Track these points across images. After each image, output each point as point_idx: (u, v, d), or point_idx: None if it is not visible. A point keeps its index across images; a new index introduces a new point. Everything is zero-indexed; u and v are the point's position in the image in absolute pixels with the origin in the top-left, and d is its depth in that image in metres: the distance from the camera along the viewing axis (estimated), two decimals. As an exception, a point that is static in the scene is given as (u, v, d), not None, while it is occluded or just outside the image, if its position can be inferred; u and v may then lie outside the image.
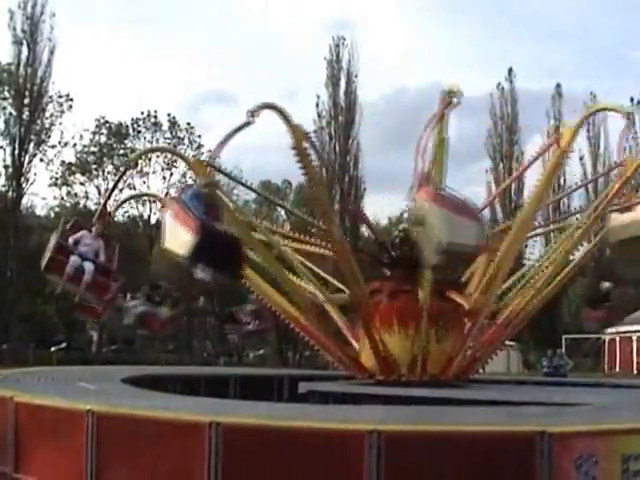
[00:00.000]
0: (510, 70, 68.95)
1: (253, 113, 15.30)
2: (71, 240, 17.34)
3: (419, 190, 15.16)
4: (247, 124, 15.42)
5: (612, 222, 17.00)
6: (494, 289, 18.01)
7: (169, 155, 64.34)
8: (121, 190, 61.32)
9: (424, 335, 17.31)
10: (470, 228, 14.60)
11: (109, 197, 21.64)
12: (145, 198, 62.55)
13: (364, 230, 62.27)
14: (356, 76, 65.06)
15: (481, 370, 20.79)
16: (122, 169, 57.85)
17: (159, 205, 22.20)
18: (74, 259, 16.89)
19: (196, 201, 14.39)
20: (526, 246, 57.90)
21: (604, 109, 20.03)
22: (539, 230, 22.07)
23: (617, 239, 16.50)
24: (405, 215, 15.67)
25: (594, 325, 23.55)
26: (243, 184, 18.04)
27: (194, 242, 13.62)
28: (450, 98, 16.59)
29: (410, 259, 18.29)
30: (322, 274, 19.61)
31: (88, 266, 17.02)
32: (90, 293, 17.27)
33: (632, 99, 66.11)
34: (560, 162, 17.82)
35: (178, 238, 13.97)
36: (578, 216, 19.96)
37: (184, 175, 65.16)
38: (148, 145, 65.29)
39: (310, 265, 19.51)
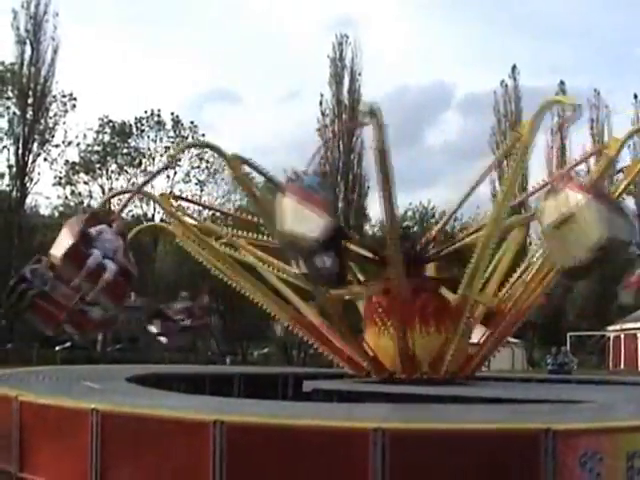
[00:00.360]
0: (514, 67, 69.03)
1: (369, 114, 15.03)
2: (93, 231, 15.98)
3: (569, 185, 14.58)
4: (362, 124, 15.20)
5: (544, 209, 15.40)
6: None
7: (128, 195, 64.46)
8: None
9: (460, 333, 17.38)
10: (627, 225, 14.34)
11: (137, 192, 21.16)
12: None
13: (368, 228, 62.47)
14: (359, 74, 65.20)
15: (486, 368, 20.82)
16: (163, 164, 58.04)
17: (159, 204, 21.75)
18: (97, 253, 15.62)
19: (319, 188, 14.34)
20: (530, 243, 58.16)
21: None
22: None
23: (548, 223, 14.86)
24: (539, 210, 14.94)
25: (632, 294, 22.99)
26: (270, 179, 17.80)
27: (330, 223, 13.62)
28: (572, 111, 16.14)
29: (410, 256, 18.28)
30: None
31: (110, 264, 15.75)
32: (105, 295, 15.92)
33: (636, 96, 66.24)
34: (607, 170, 17.50)
35: (306, 221, 13.81)
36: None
37: (188, 174, 65.33)
38: (152, 144, 65.30)
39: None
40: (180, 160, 65.18)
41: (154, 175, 24.37)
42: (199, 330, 24.55)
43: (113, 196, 60.99)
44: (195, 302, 23.21)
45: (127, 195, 20.81)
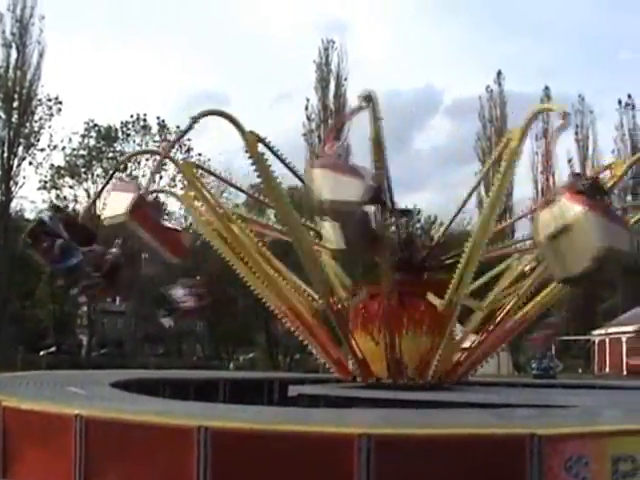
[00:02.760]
0: (499, 73, 69.17)
1: (365, 99, 15.66)
2: None
3: (565, 195, 14.46)
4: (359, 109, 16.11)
5: (539, 219, 15.38)
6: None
7: (158, 158, 64.27)
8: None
9: (446, 339, 17.43)
10: (625, 234, 14.33)
11: (96, 199, 21.30)
12: None
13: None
14: (345, 79, 65.17)
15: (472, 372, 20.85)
16: (111, 172, 57.70)
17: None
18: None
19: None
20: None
21: None
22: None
23: (544, 235, 14.83)
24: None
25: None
26: (233, 185, 17.77)
27: (369, 186, 14.39)
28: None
29: (412, 262, 18.30)
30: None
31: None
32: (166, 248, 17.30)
33: (620, 101, 66.62)
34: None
35: (344, 187, 14.46)
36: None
37: (173, 179, 65.06)
38: (138, 148, 64.90)
39: None
40: (166, 164, 65.00)
41: (180, 137, 23.76)
42: (202, 311, 24.10)
43: (134, 155, 59.63)
44: (195, 284, 22.76)
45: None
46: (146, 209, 16.51)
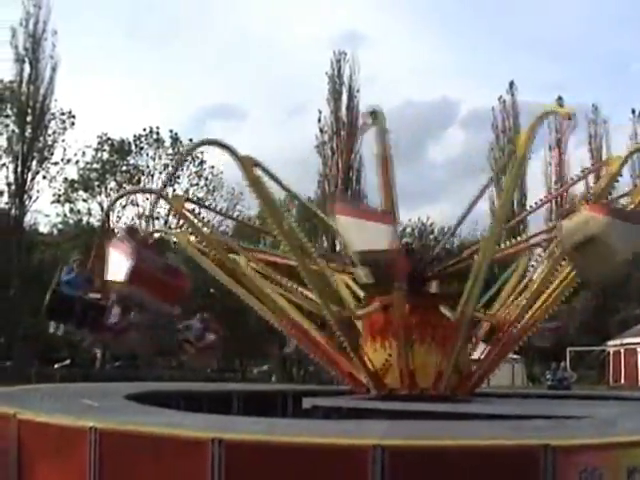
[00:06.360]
0: (512, 83, 69.17)
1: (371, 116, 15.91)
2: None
3: (588, 207, 14.83)
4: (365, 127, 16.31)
5: (563, 229, 15.70)
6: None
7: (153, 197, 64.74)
8: (124, 207, 61.10)
9: (457, 350, 17.37)
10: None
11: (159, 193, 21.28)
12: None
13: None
14: (358, 91, 65.31)
15: (485, 383, 20.79)
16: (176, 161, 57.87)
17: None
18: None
19: None
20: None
21: None
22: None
23: (570, 245, 15.15)
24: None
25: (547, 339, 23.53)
26: (223, 214, 17.93)
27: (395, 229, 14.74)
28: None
29: (414, 273, 18.30)
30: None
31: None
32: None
33: (634, 111, 66.43)
34: (609, 188, 17.53)
35: (372, 235, 14.30)
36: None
37: (187, 191, 65.23)
38: (151, 162, 65.18)
39: None
40: (179, 177, 65.25)
41: (172, 174, 23.06)
42: (213, 347, 24.15)
43: (122, 196, 60.57)
44: (204, 318, 22.88)
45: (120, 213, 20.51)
46: (144, 268, 16.28)
